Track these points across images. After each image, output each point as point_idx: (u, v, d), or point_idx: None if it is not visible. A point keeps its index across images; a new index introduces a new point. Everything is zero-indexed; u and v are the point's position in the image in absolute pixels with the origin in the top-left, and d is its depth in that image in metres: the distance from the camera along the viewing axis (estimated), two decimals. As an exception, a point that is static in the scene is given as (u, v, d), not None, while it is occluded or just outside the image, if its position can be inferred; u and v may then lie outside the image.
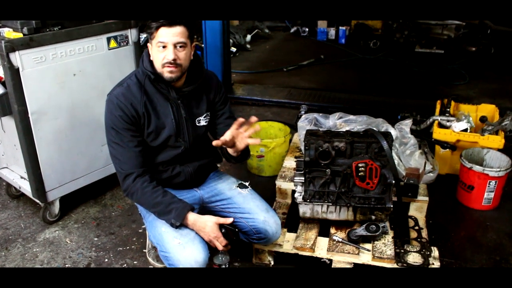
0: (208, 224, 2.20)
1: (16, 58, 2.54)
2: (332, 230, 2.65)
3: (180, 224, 2.18)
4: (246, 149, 2.33)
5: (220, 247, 2.22)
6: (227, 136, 2.15)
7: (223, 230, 2.22)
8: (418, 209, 2.85)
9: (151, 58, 2.21)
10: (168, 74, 2.15)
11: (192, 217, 2.21)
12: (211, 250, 2.24)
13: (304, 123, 3.22)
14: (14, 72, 2.56)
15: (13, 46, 2.51)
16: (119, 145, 2.21)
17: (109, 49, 3.00)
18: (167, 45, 2.11)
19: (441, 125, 3.57)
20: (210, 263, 2.25)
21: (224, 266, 2.32)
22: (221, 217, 2.26)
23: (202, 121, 2.39)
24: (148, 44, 2.20)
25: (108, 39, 2.98)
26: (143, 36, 5.41)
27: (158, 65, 2.16)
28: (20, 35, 2.58)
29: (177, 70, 2.16)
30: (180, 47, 2.13)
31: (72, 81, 2.85)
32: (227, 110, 2.50)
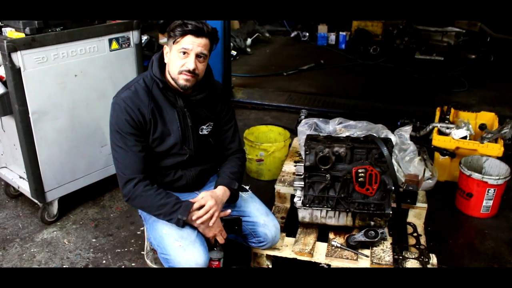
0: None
1: (18, 58, 2.54)
2: (331, 235, 2.65)
3: (185, 220, 2.17)
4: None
5: (222, 240, 2.25)
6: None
7: (223, 223, 2.26)
8: (417, 216, 2.85)
9: (166, 61, 2.20)
10: (183, 82, 2.15)
11: None
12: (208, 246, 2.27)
13: (304, 128, 3.21)
14: (15, 72, 2.56)
15: (15, 46, 2.51)
16: (123, 149, 2.20)
17: (110, 51, 3.00)
18: (189, 53, 2.11)
19: (440, 132, 3.58)
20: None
21: (221, 260, 2.34)
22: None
23: (205, 130, 2.38)
24: (165, 47, 2.19)
25: (110, 41, 2.98)
26: (144, 37, 5.42)
27: (174, 71, 2.15)
28: (22, 35, 2.59)
29: (193, 80, 2.16)
30: (201, 58, 2.14)
31: (73, 82, 2.85)
32: (233, 125, 2.51)
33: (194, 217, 2.19)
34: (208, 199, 2.21)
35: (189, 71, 2.12)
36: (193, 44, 2.10)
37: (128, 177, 2.20)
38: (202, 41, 2.11)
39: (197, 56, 2.12)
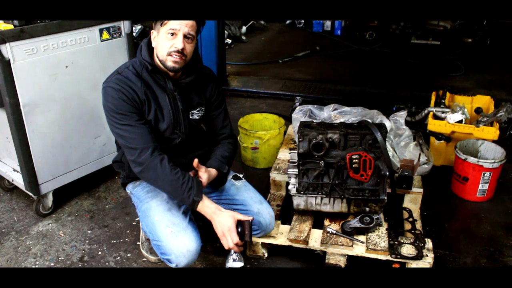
0: (226, 215, 2.16)
1: (7, 50, 2.51)
2: (326, 222, 2.64)
3: (200, 201, 2.17)
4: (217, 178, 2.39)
5: (230, 243, 2.14)
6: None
7: (239, 229, 2.15)
8: (412, 201, 2.85)
9: (154, 45, 2.19)
10: (172, 64, 2.15)
11: (213, 205, 2.19)
12: (224, 252, 2.22)
13: (299, 115, 3.20)
14: (5, 64, 2.52)
15: (4, 37, 2.48)
16: (130, 125, 2.16)
17: (101, 41, 2.97)
18: (177, 34, 2.10)
19: (436, 117, 3.56)
20: (203, 254, 2.24)
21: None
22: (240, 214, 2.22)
23: (195, 115, 2.38)
24: (153, 32, 2.19)
25: (101, 31, 2.95)
26: (137, 28, 5.38)
27: (163, 53, 2.14)
28: (10, 26, 2.55)
29: (182, 61, 2.16)
30: (188, 39, 2.14)
31: (64, 73, 2.82)
32: (223, 110, 2.51)
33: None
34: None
35: (177, 51, 2.11)
36: (181, 24, 2.10)
37: (142, 147, 2.15)
38: (189, 22, 2.11)
39: (185, 37, 2.12)
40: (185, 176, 2.16)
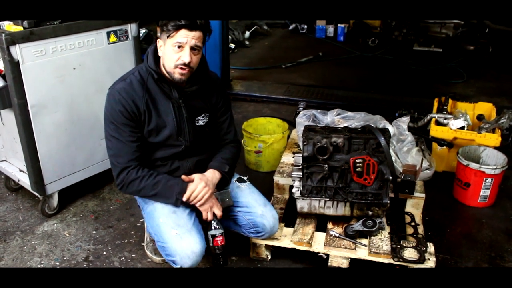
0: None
1: (16, 51, 2.55)
2: (329, 225, 2.67)
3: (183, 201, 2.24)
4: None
5: (219, 213, 2.32)
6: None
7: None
8: (414, 206, 2.87)
9: (161, 55, 2.22)
10: (179, 76, 2.18)
11: None
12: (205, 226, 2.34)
13: (302, 119, 3.23)
14: (14, 65, 2.56)
15: (14, 39, 2.52)
16: (118, 140, 2.23)
17: (109, 44, 3.01)
18: (184, 47, 2.13)
19: (438, 123, 3.59)
20: (207, 255, 2.27)
21: (223, 234, 2.36)
22: None
23: (201, 121, 2.41)
24: (159, 41, 2.21)
25: (108, 34, 2.98)
26: (143, 31, 5.41)
27: (170, 64, 2.17)
28: (20, 28, 2.59)
29: (188, 73, 2.19)
30: (195, 50, 2.16)
31: (71, 75, 2.86)
32: (229, 116, 2.54)
33: (185, 199, 2.26)
34: (198, 182, 2.28)
35: (184, 64, 2.14)
36: (187, 37, 2.11)
37: (122, 166, 2.24)
38: (196, 34, 2.13)
39: (192, 49, 2.14)
40: (161, 176, 2.28)
